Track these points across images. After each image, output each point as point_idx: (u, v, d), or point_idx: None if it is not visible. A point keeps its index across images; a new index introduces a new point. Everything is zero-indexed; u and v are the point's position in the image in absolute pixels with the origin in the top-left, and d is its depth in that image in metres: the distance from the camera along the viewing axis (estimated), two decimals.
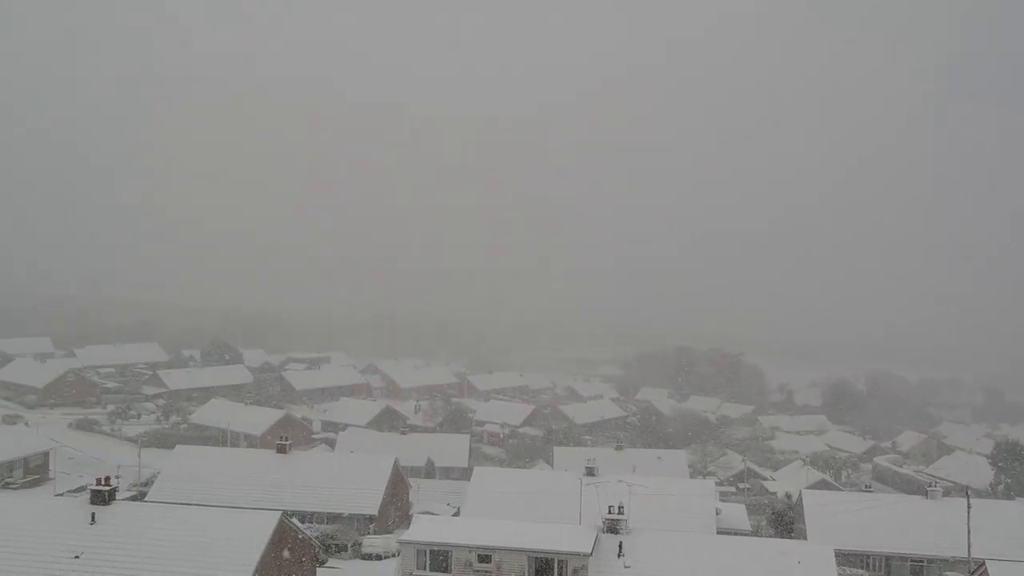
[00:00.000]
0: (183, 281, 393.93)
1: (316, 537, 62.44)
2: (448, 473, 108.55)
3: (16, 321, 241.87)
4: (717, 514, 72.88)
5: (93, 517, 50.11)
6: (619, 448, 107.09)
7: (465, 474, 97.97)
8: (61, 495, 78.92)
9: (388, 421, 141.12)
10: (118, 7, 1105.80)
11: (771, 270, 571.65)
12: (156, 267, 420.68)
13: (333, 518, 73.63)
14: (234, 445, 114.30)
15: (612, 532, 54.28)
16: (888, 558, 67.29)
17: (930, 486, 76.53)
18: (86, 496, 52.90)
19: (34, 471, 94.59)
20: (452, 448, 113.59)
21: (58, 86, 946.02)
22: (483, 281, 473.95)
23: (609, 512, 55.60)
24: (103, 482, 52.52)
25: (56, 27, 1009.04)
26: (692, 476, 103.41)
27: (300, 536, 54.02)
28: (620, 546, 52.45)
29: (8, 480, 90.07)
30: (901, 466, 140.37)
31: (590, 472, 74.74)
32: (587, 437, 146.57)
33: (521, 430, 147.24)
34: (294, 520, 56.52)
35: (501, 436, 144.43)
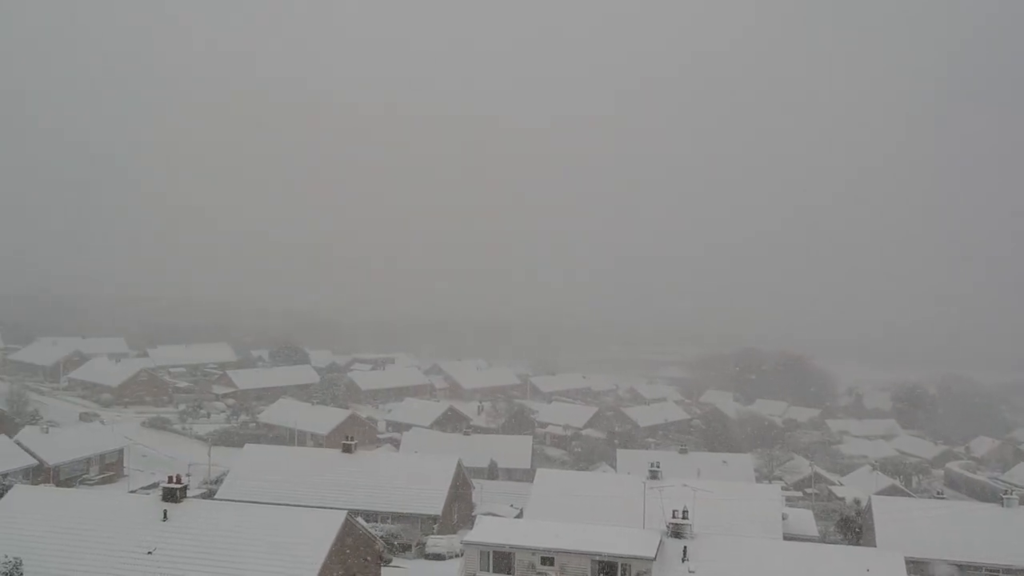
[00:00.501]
0: (253, 284, 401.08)
1: (381, 536, 63.12)
2: (511, 474, 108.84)
3: (92, 322, 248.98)
4: (783, 519, 71.84)
5: (165, 514, 51.39)
6: (683, 451, 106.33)
7: (528, 476, 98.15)
8: (134, 492, 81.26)
9: (451, 422, 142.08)
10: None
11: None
12: (223, 270, 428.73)
13: (397, 517, 74.34)
14: (301, 444, 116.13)
15: (676, 537, 53.94)
16: (961, 567, 65.56)
17: (1006, 493, 74.26)
18: (158, 493, 54.34)
19: (109, 468, 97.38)
20: (515, 449, 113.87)
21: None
22: (544, 284, 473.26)
23: (673, 516, 55.26)
24: (174, 480, 53.85)
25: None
26: (758, 481, 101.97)
27: (365, 535, 54.67)
28: (684, 551, 52.09)
29: (85, 476, 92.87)
30: (975, 472, 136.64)
31: (654, 475, 74.32)
32: (650, 440, 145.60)
33: (584, 432, 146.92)
34: (359, 519, 57.25)
35: (564, 438, 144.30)
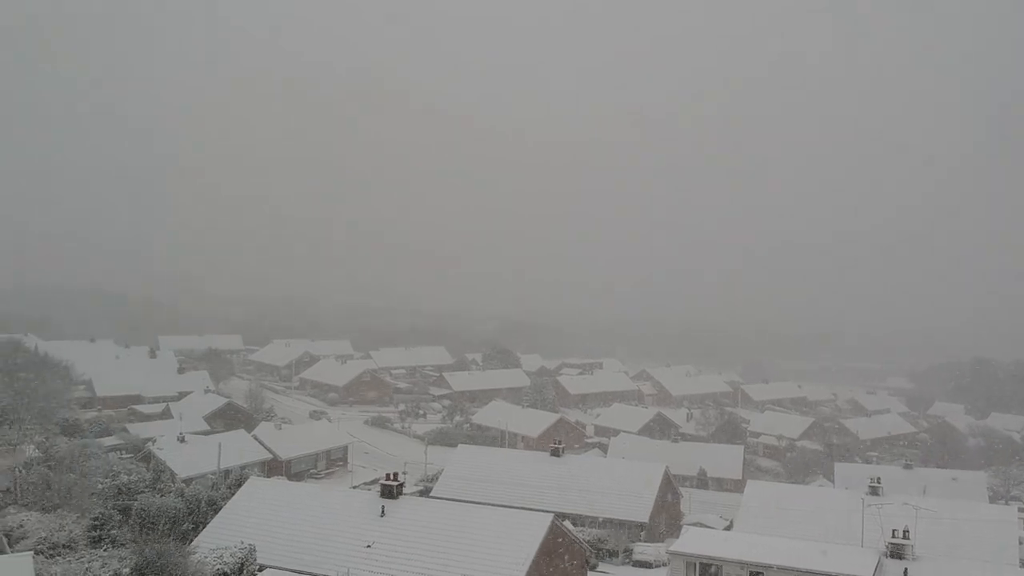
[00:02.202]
0: (465, 290, 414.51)
1: (587, 541, 63.61)
2: (721, 484, 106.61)
3: (319, 325, 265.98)
4: (1021, 544, 66.28)
5: (383, 510, 54.17)
6: (908, 467, 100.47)
7: (738, 486, 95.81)
8: (356, 487, 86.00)
9: (660, 428, 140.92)
10: None
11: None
12: (440, 280, 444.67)
13: (604, 523, 74.56)
14: (511, 446, 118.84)
15: (896, 557, 51.02)
16: None
17: None
18: (378, 489, 57.37)
19: (334, 463, 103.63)
20: (725, 459, 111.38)
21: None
22: (751, 287, 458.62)
23: (893, 535, 52.30)
24: (391, 477, 56.67)
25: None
26: (991, 501, 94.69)
27: (571, 539, 55.31)
28: (905, 573, 49.21)
29: (312, 471, 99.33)
30: None
31: (874, 491, 70.61)
32: (872, 454, 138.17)
33: (799, 443, 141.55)
34: (566, 523, 57.99)
35: (778, 449, 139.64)
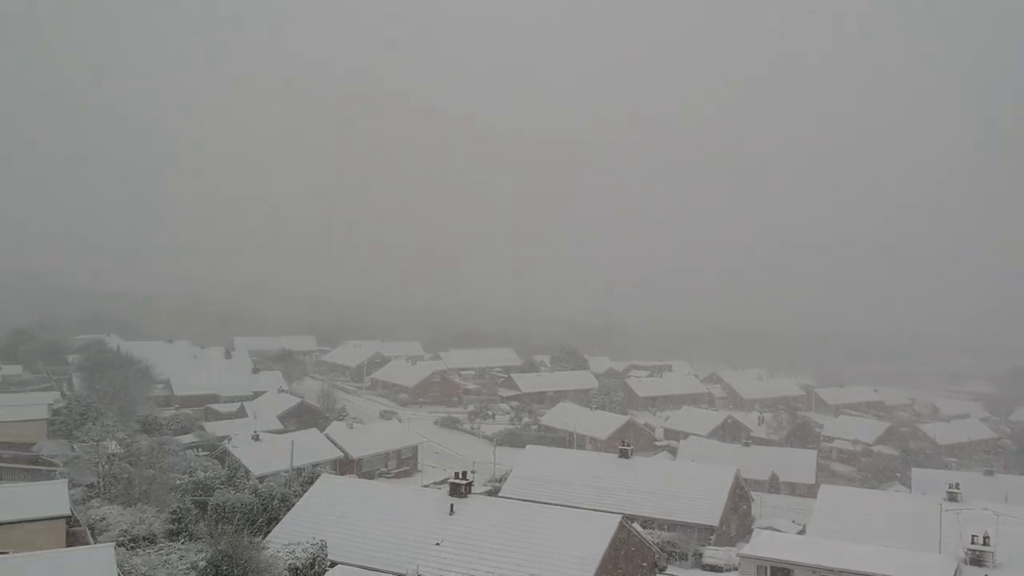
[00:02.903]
0: (533, 292, 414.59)
1: (656, 543, 63.17)
2: (793, 489, 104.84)
3: (390, 326, 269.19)
4: None
5: (452, 508, 54.64)
6: (989, 473, 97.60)
7: (811, 491, 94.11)
8: (427, 486, 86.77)
9: (730, 432, 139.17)
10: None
11: None
12: (508, 283, 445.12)
13: (673, 525, 73.96)
14: (579, 447, 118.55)
15: (976, 564, 49.73)
16: None
17: None
18: (447, 488, 57.87)
19: (405, 463, 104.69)
20: (798, 463, 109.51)
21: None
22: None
23: (972, 542, 50.89)
24: (460, 476, 57.11)
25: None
26: None
27: (640, 540, 55.03)
28: None
29: (383, 470, 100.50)
30: None
31: (952, 497, 68.70)
32: (951, 459, 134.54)
33: (874, 448, 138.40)
34: (635, 525, 57.70)
35: (852, 453, 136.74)
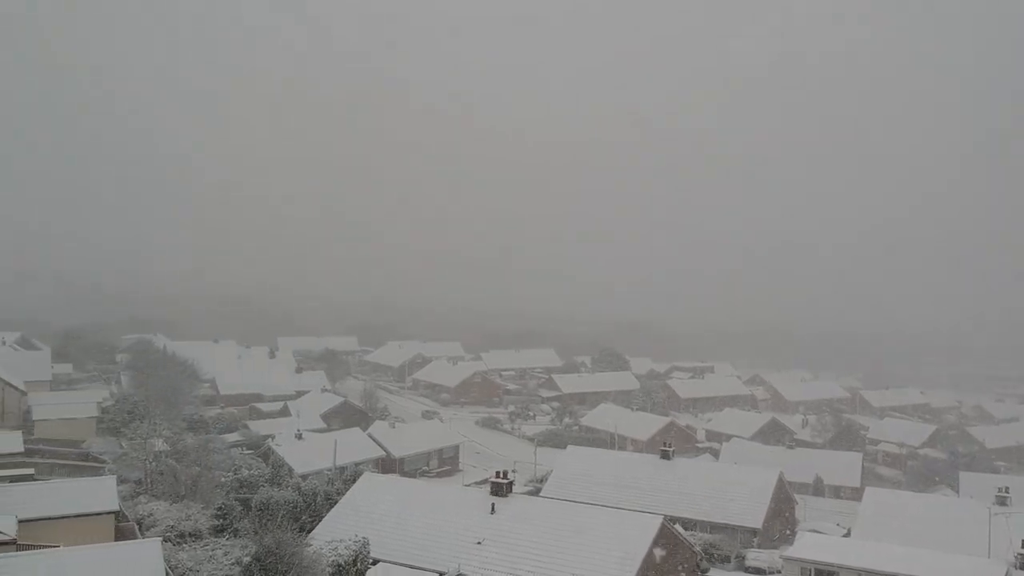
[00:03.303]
0: (572, 293, 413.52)
1: (698, 545, 62.79)
2: (837, 492, 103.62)
3: (431, 327, 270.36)
4: None
5: (493, 507, 54.78)
6: None
7: (856, 494, 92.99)
8: (468, 486, 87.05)
9: (774, 434, 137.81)
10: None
11: None
12: (540, 280, 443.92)
13: (715, 528, 73.45)
14: (620, 448, 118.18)
15: None
16: None
17: None
18: (488, 488, 58.02)
19: (446, 462, 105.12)
20: (842, 466, 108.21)
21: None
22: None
23: (1023, 546, 49.93)
24: (501, 475, 57.24)
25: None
26: None
27: (682, 542, 54.75)
28: None
29: (424, 469, 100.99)
30: None
31: (1001, 501, 67.56)
32: (1000, 463, 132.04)
33: (921, 451, 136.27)
34: (677, 526, 57.40)
35: (898, 457, 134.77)
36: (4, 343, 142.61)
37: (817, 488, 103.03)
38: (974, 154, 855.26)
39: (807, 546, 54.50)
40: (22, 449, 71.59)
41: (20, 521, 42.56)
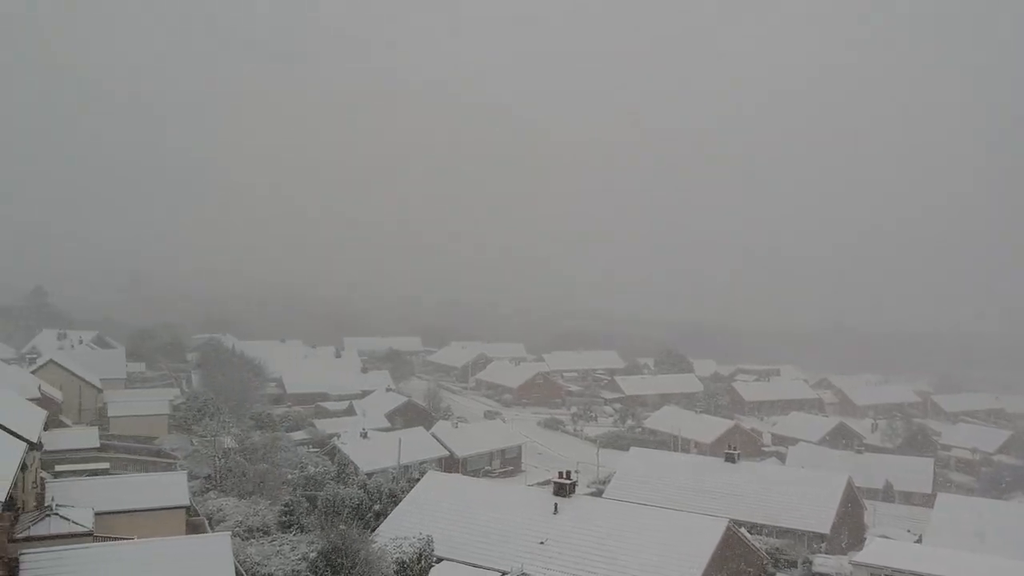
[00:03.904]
0: (636, 295, 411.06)
1: (764, 549, 61.91)
2: (908, 498, 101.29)
3: (493, 328, 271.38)
4: None
5: (556, 507, 54.73)
6: None
7: (928, 500, 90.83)
8: (531, 486, 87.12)
9: (842, 438, 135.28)
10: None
11: None
12: (610, 285, 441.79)
13: (781, 532, 72.33)
14: (684, 451, 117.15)
15: None
16: None
17: None
18: (550, 488, 57.99)
19: (509, 462, 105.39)
20: (913, 471, 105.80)
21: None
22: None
23: None
24: (564, 476, 57.16)
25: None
26: None
27: (748, 546, 54.07)
28: None
29: (487, 469, 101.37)
30: None
31: None
32: None
33: (995, 458, 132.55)
34: (742, 530, 56.71)
35: (972, 463, 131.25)
36: (81, 342, 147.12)
37: (887, 494, 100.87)
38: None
39: (877, 551, 53.38)
40: (98, 444, 73.54)
41: (96, 514, 43.77)
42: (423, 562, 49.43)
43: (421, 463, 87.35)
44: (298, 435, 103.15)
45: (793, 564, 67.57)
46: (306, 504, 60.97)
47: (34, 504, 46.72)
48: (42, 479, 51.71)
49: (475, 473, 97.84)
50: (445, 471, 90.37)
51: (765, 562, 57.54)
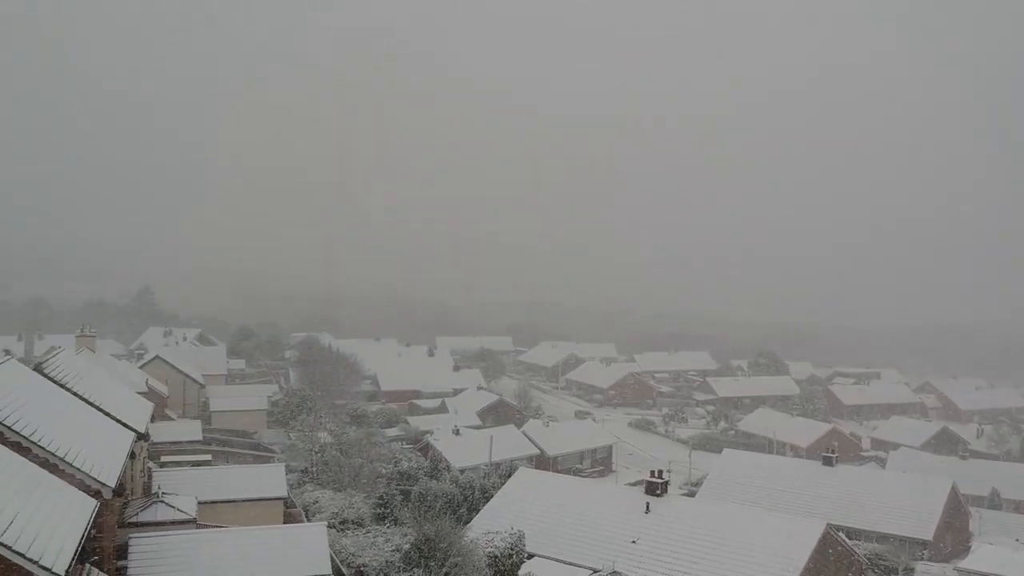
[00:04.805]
0: (729, 296, 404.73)
1: (863, 555, 60.21)
2: (1018, 506, 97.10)
3: (584, 328, 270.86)
4: None
5: (647, 507, 54.29)
6: None
7: None
8: (624, 486, 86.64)
9: (945, 444, 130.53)
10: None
11: None
12: (703, 287, 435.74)
13: (881, 538, 70.32)
14: (779, 454, 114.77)
15: None
16: None
17: None
18: (642, 488, 57.56)
19: (599, 463, 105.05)
20: (1022, 479, 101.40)
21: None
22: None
23: None
24: (656, 475, 56.67)
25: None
26: None
27: (846, 550, 52.71)
28: None
29: (578, 468, 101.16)
30: None
31: None
32: None
33: None
34: (840, 534, 55.31)
35: None
36: (185, 339, 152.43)
37: (993, 501, 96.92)
38: (999, 154, 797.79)
39: (984, 559, 51.45)
40: (201, 437, 76.19)
41: (199, 502, 45.36)
42: (514, 557, 49.59)
43: (512, 461, 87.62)
44: (392, 431, 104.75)
45: (893, 571, 65.62)
46: (400, 498, 61.85)
47: (141, 492, 48.67)
48: (149, 468, 53.74)
49: (566, 472, 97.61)
50: (537, 469, 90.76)
51: (864, 567, 55.97)
